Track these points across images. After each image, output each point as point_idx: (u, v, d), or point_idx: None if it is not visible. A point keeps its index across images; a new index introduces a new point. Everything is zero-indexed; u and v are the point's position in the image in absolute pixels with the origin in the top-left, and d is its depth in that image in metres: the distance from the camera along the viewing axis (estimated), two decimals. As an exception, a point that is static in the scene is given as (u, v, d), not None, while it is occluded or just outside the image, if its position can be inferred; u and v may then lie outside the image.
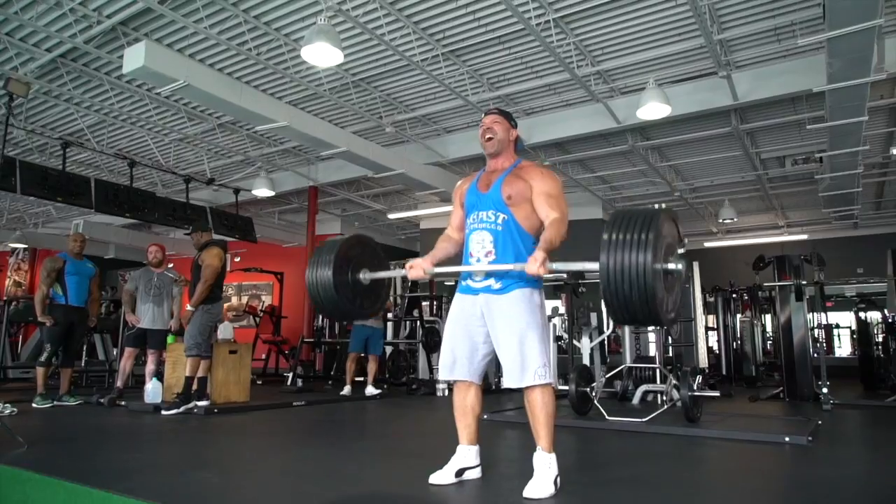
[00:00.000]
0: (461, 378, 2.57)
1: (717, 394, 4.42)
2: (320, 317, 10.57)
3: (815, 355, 6.55)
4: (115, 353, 8.96)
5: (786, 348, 6.85)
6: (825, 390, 5.99)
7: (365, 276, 2.79)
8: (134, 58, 5.34)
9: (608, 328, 7.05)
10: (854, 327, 11.69)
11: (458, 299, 2.62)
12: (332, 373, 8.93)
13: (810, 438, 3.63)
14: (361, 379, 7.56)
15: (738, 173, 10.51)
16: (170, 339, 6.00)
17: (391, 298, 7.77)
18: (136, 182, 9.82)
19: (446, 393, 7.56)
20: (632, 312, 2.03)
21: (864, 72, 5.37)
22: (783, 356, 6.89)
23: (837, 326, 13.36)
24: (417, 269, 2.63)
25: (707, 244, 14.95)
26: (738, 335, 10.29)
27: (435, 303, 9.77)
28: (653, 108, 6.49)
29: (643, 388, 6.25)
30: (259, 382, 8.49)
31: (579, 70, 6.73)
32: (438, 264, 2.71)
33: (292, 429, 4.62)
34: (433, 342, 8.61)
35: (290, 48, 6.47)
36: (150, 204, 9.16)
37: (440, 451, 2.71)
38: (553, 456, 2.41)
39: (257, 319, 11.95)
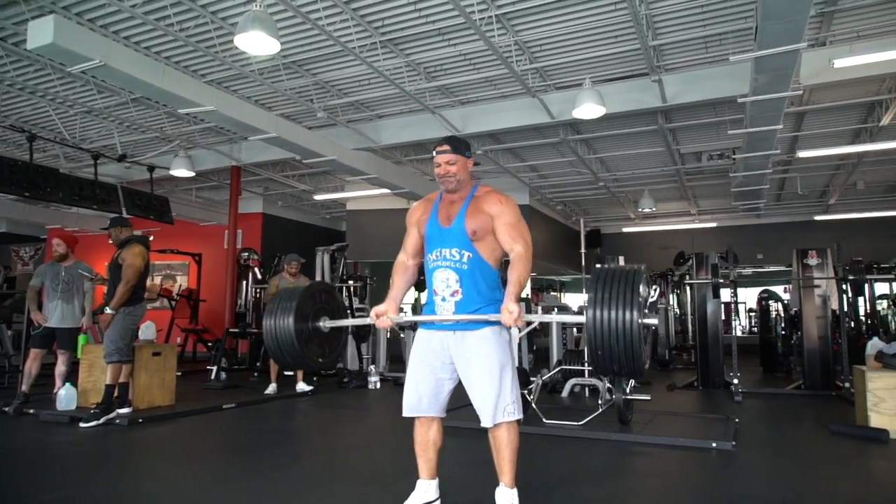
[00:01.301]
0: (426, 415, 2.53)
1: (648, 398, 4.64)
2: (243, 301, 10.19)
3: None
4: (11, 344, 8.26)
5: (701, 341, 7.29)
6: (736, 381, 6.44)
7: (325, 324, 2.68)
8: (40, 33, 4.78)
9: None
10: (753, 307, 12.68)
11: (423, 335, 2.56)
12: (258, 363, 8.65)
13: (734, 443, 3.89)
14: (290, 373, 7.37)
15: (659, 166, 10.97)
16: (82, 339, 5.58)
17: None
18: (37, 157, 8.97)
19: (378, 385, 7.54)
20: (616, 364, 2.12)
21: (784, 87, 5.69)
22: (698, 348, 7.34)
23: (740, 303, 14.44)
24: (384, 320, 2.53)
25: (625, 229, 15.59)
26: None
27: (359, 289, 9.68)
28: (588, 108, 6.61)
29: (572, 381, 6.49)
30: (178, 374, 8.10)
31: (518, 66, 6.73)
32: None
33: (226, 445, 4.40)
34: (363, 332, 8.52)
35: (216, 26, 6.04)
36: (53, 182, 8.38)
37: (390, 473, 2.67)
38: (515, 491, 2.45)
39: (173, 303, 11.38)
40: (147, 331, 5.56)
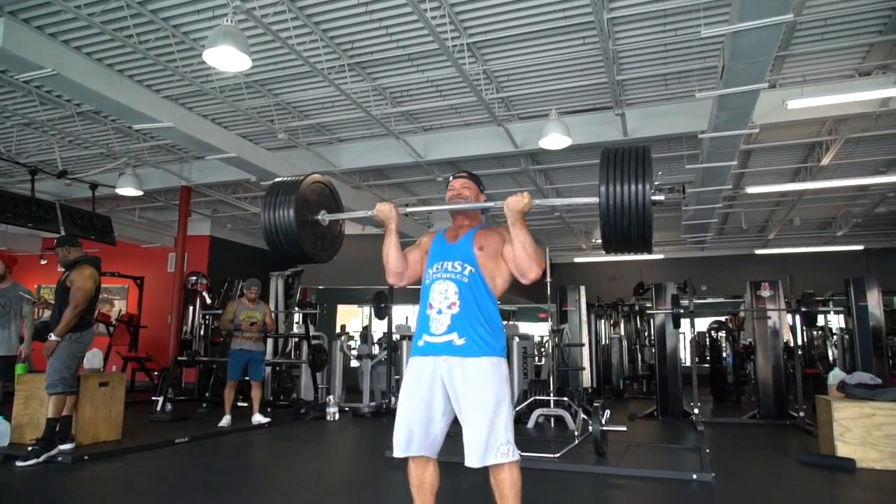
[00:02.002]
0: (418, 454, 2.38)
1: (624, 428, 4.61)
2: (190, 327, 9.67)
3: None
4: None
5: (660, 371, 7.39)
6: (696, 411, 6.53)
7: (323, 217, 2.69)
8: (-12, 37, 4.47)
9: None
10: (700, 340, 13.03)
11: (415, 364, 2.43)
12: (207, 394, 8.19)
13: (713, 475, 3.89)
14: (244, 404, 7.01)
15: (612, 198, 11.22)
16: (19, 368, 5.13)
17: (272, 315, 7.23)
18: (-34, 171, 8.36)
19: (336, 417, 7.25)
20: (628, 240, 2.21)
21: (743, 125, 5.94)
22: (658, 378, 7.43)
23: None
24: (386, 204, 2.57)
25: (576, 259, 15.86)
26: (607, 349, 11.01)
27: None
28: (555, 139, 6.70)
29: (538, 411, 6.43)
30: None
31: (485, 95, 6.77)
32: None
33: (182, 485, 4.06)
34: (320, 361, 8.24)
35: (177, 40, 5.81)
36: (-15, 198, 7.83)
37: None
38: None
39: (111, 329, 10.71)
40: (93, 359, 5.17)
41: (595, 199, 2.25)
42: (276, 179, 2.74)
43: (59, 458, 4.32)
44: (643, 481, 3.90)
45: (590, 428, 4.37)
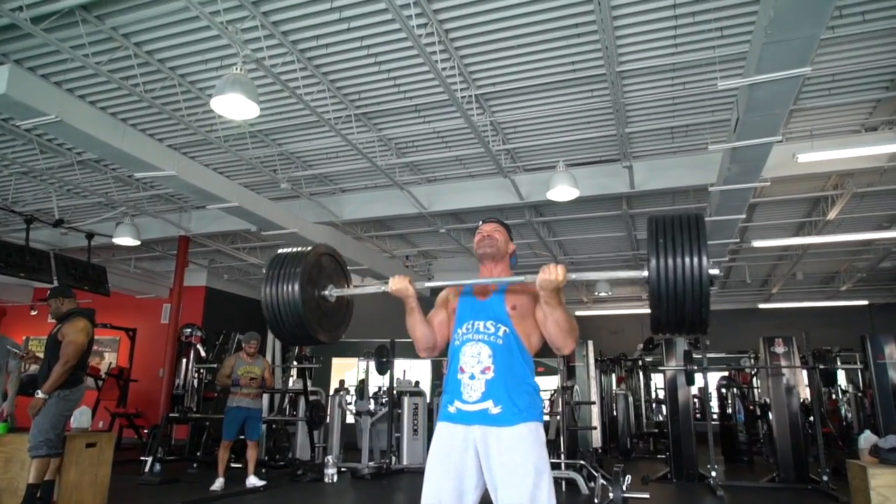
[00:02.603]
0: None
1: (647, 496, 4.32)
2: (182, 381, 9.30)
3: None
4: None
5: (673, 430, 7.08)
6: (714, 474, 6.22)
7: (331, 292, 2.42)
8: (-8, 82, 4.38)
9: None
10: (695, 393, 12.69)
11: (446, 430, 2.20)
12: (198, 453, 7.79)
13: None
14: (238, 465, 6.65)
15: (615, 251, 11.14)
16: (0, 427, 4.81)
17: (272, 370, 6.92)
18: (-40, 219, 8.19)
19: (335, 479, 6.87)
20: (682, 319, 1.97)
21: (754, 177, 5.87)
22: (671, 438, 7.12)
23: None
24: (404, 281, 2.29)
25: (578, 313, 15.62)
26: (614, 406, 10.67)
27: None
28: (562, 191, 6.62)
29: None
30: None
31: (492, 147, 6.73)
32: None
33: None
34: (318, 418, 7.90)
35: (184, 89, 5.77)
36: (-24, 246, 7.63)
37: None
38: None
39: (100, 383, 10.32)
40: (81, 417, 4.87)
41: (641, 273, 2.03)
42: (280, 251, 2.45)
43: (38, 529, 3.99)
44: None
45: (610, 495, 4.09)
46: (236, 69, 4.60)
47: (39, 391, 4.19)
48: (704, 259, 1.91)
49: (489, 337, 2.19)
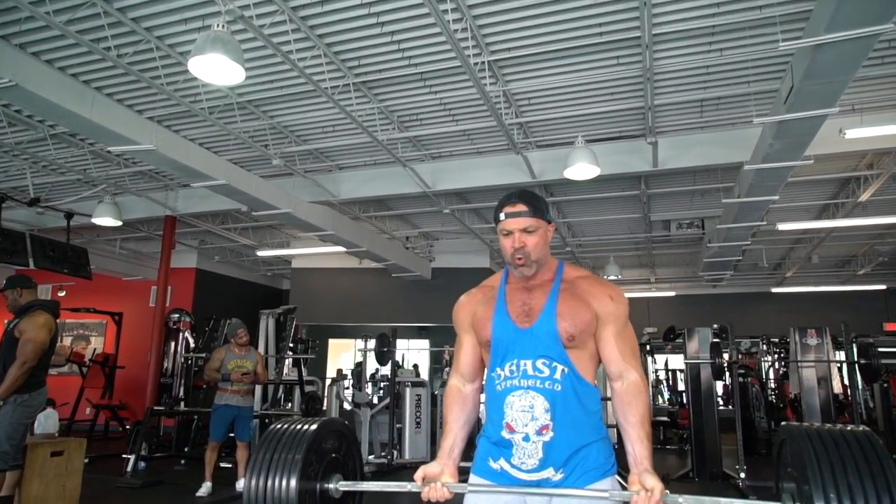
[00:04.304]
0: None
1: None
2: (171, 366, 8.77)
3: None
4: None
5: (696, 425, 6.62)
6: (743, 475, 5.76)
7: (337, 486, 1.75)
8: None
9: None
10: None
11: (485, 496, 1.66)
12: (186, 448, 7.29)
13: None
14: (228, 465, 6.16)
15: (626, 233, 10.60)
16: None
17: (265, 363, 6.34)
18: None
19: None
20: None
21: (797, 155, 5.32)
22: (692, 433, 6.66)
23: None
24: (440, 489, 1.62)
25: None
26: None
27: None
28: (581, 169, 6.04)
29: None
30: (86, 460, 6.63)
31: (504, 120, 6.13)
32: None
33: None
34: (314, 410, 7.41)
35: (162, 53, 5.14)
36: (-55, 228, 7.04)
37: None
38: None
39: (84, 369, 9.82)
40: (47, 422, 4.34)
41: None
42: (274, 426, 1.81)
43: (-8, 557, 3.48)
44: None
45: None
46: (217, 26, 3.98)
47: (-7, 397, 3.64)
48: None
49: (543, 383, 1.62)
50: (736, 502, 1.53)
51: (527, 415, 1.60)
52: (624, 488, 1.55)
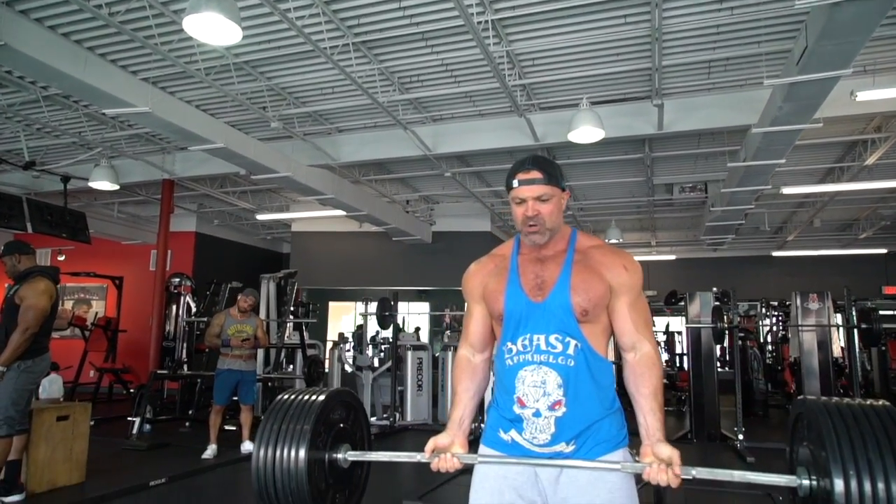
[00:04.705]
0: None
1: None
2: (173, 328, 8.77)
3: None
4: None
5: (695, 388, 6.68)
6: (741, 437, 5.84)
7: (345, 455, 1.72)
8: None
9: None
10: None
11: (493, 471, 1.65)
12: (190, 411, 7.36)
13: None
14: (232, 428, 6.23)
15: (628, 197, 10.52)
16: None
17: (265, 328, 6.33)
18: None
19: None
20: None
21: (807, 118, 5.21)
22: (691, 395, 6.72)
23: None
24: (450, 460, 1.60)
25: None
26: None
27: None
28: (585, 132, 5.93)
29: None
30: (91, 423, 6.70)
31: (508, 81, 5.99)
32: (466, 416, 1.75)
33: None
34: (316, 373, 7.46)
35: (156, 12, 4.97)
36: (-60, 192, 6.95)
37: None
38: None
39: (86, 333, 9.85)
40: (51, 387, 4.37)
41: (785, 481, 1.42)
42: (283, 395, 1.78)
43: (2, 519, 3.53)
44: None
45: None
46: (213, -17, 3.83)
47: (-3, 363, 3.64)
48: None
49: (556, 358, 1.58)
50: (749, 475, 1.52)
51: (539, 390, 1.57)
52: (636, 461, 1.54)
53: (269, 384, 7.47)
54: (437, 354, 8.47)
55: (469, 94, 6.70)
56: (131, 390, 8.48)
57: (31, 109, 7.00)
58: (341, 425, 1.74)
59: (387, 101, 6.51)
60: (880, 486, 1.19)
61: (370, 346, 8.82)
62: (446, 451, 1.63)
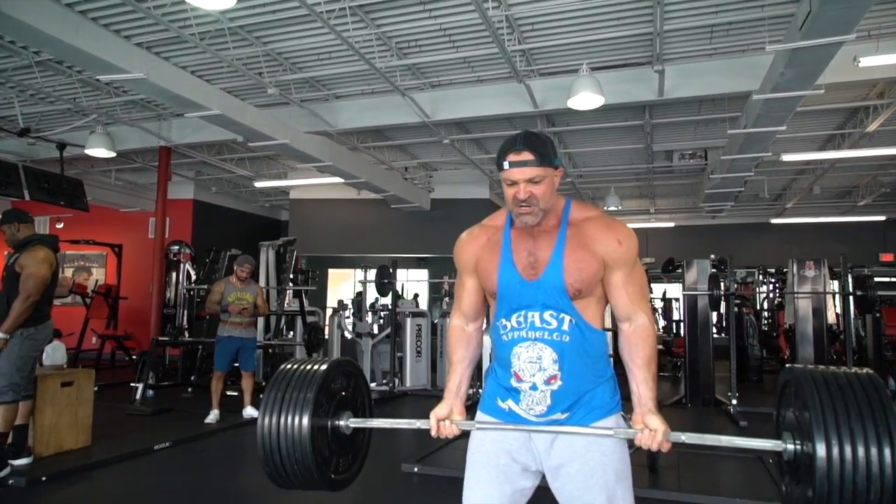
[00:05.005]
0: None
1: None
2: (173, 296, 8.83)
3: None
4: None
5: (691, 353, 6.77)
6: (735, 402, 5.95)
7: (347, 422, 1.76)
8: None
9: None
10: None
11: (489, 437, 1.70)
12: (192, 377, 7.47)
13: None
14: (234, 394, 6.32)
15: (627, 164, 10.48)
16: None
17: (265, 296, 6.37)
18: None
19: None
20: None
21: (809, 84, 5.16)
22: (687, 360, 6.82)
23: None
24: (448, 426, 1.67)
25: (581, 227, 15.14)
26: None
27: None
28: (585, 98, 5.88)
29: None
30: (95, 388, 6.79)
31: (507, 47, 5.91)
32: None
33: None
34: (316, 340, 7.54)
35: (148, -25, 4.89)
36: (-65, 159, 6.91)
37: None
38: None
39: (87, 300, 9.92)
40: (55, 353, 4.42)
41: (771, 445, 1.47)
42: (285, 365, 1.78)
43: (11, 481, 3.61)
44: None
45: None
46: (205, -55, 3.75)
47: (-1, 331, 3.68)
48: None
49: (551, 335, 1.59)
50: (737, 440, 1.57)
51: (534, 366, 1.60)
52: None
53: (270, 351, 7.56)
54: (435, 321, 8.55)
55: (467, 59, 6.61)
56: (133, 357, 8.58)
57: (23, 75, 6.90)
58: (343, 393, 1.77)
59: (384, 67, 6.42)
60: (860, 451, 1.24)
61: (369, 313, 8.90)
62: (446, 418, 1.67)
